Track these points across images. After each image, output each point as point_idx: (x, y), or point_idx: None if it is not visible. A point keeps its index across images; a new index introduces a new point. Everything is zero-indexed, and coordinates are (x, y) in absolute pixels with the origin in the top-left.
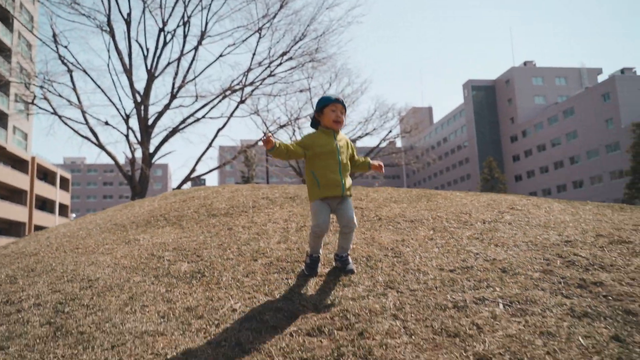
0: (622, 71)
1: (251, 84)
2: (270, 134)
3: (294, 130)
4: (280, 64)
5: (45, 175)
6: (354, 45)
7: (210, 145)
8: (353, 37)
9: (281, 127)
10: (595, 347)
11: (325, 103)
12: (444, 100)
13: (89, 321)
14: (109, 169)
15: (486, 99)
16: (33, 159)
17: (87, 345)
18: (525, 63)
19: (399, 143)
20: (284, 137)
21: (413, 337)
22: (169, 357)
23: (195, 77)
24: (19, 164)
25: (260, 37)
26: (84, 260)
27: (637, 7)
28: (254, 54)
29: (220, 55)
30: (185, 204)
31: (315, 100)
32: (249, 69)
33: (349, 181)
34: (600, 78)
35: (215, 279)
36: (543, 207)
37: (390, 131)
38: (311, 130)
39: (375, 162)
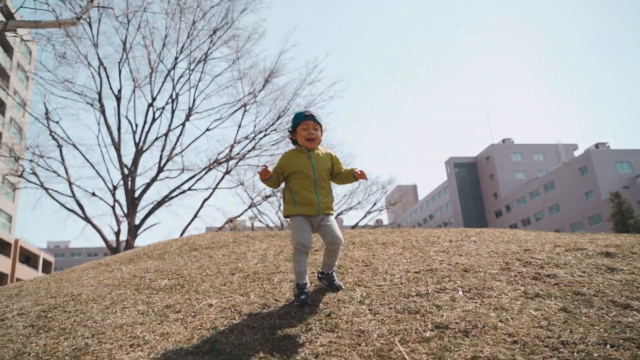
0: (597, 146)
1: (237, 154)
2: (267, 165)
3: (280, 204)
4: (265, 135)
5: (28, 258)
6: (336, 120)
7: (195, 215)
8: (334, 111)
9: (266, 198)
10: (544, 316)
11: (296, 122)
12: (428, 177)
13: (71, 321)
14: (93, 252)
15: (469, 175)
16: (16, 241)
17: (69, 336)
18: (503, 140)
19: (385, 220)
20: (269, 210)
21: (377, 315)
22: (146, 338)
23: (182, 151)
24: (1, 246)
25: (245, 112)
26: (67, 285)
27: (606, 86)
28: (239, 127)
29: (207, 129)
30: (168, 245)
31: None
32: (235, 142)
33: (328, 199)
34: (577, 153)
35: (194, 288)
36: (508, 233)
37: (375, 204)
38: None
39: (357, 169)
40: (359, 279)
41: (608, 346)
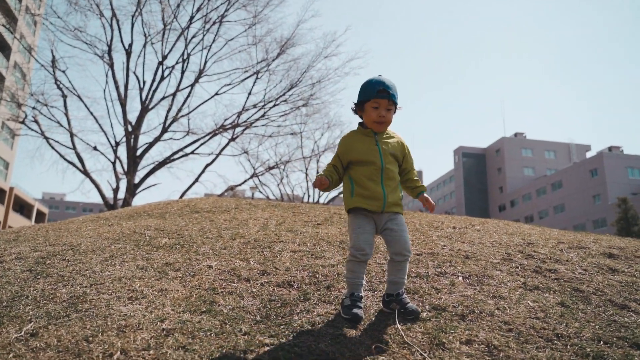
0: (610, 149)
1: (244, 122)
2: (320, 176)
3: (282, 177)
4: (275, 105)
5: (22, 207)
6: (347, 96)
7: (197, 179)
8: (347, 87)
9: (269, 168)
10: (542, 308)
11: (366, 97)
12: (435, 164)
13: (69, 269)
14: (89, 207)
15: (476, 166)
16: (11, 189)
17: (67, 283)
18: (515, 134)
19: None
20: (271, 181)
21: (376, 292)
22: (144, 292)
23: (189, 113)
24: None
25: (257, 79)
26: (66, 234)
27: (628, 90)
28: (249, 94)
29: (216, 94)
30: (169, 205)
31: (307, 144)
32: (244, 109)
33: (396, 195)
34: (589, 155)
35: (194, 249)
36: (513, 226)
37: None
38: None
39: (430, 199)
40: None
41: (601, 343)
